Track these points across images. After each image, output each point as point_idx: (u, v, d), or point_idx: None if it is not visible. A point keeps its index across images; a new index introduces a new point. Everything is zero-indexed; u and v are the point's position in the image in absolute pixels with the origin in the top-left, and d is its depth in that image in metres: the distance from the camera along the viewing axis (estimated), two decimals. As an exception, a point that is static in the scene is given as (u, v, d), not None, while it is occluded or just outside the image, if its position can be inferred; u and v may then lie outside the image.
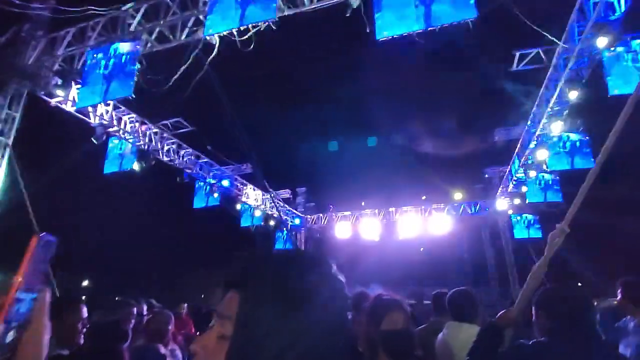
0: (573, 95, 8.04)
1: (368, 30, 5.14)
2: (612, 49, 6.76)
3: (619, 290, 3.06)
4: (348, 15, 5.61)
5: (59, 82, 7.84)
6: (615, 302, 3.07)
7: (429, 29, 4.81)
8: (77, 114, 8.72)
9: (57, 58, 7.84)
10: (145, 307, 3.35)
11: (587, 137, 9.82)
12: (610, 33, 6.49)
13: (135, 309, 2.96)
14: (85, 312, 2.32)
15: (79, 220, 19.10)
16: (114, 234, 20.31)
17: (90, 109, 8.66)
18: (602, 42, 6.64)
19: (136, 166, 10.52)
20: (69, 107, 8.57)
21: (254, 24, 5.73)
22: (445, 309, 2.94)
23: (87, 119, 9.37)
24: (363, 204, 17.43)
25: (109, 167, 10.76)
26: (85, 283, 29.49)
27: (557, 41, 7.42)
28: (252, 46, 6.24)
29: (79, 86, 7.82)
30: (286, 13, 6.14)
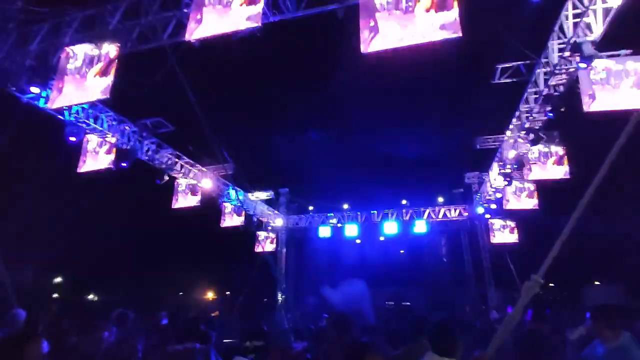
0: (550, 108, 8.27)
1: (354, 43, 5.13)
2: (588, 67, 6.96)
3: (589, 316, 3.16)
4: (335, 25, 5.59)
5: (32, 78, 7.51)
6: (585, 330, 3.15)
7: (415, 44, 4.84)
8: (50, 111, 8.40)
9: (29, 53, 7.51)
10: (114, 329, 3.23)
11: (563, 149, 10.12)
12: (587, 52, 6.68)
13: (106, 333, 2.86)
14: (45, 346, 2.22)
15: (53, 217, 18.49)
16: (90, 231, 19.75)
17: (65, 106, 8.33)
18: (579, 60, 6.84)
19: (113, 165, 10.23)
20: (42, 105, 8.24)
21: (238, 30, 5.62)
22: (423, 334, 2.95)
23: (61, 116, 9.05)
24: (346, 206, 17.49)
25: (85, 166, 10.41)
26: (58, 280, 28.56)
27: (534, 57, 7.61)
28: (235, 51, 6.15)
29: (51, 83, 7.52)
30: (271, 20, 6.06)
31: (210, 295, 30.06)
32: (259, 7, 5.52)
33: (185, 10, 6.29)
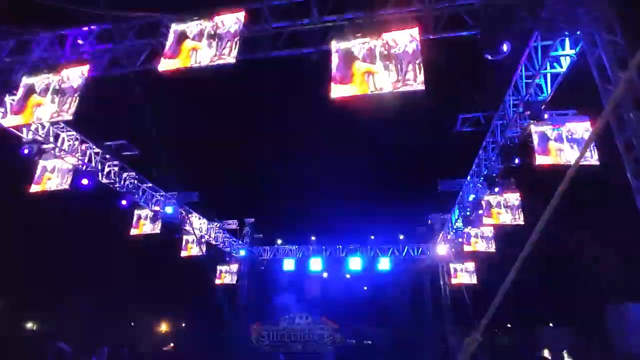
0: (506, 159, 8.81)
1: (323, 87, 5.34)
2: (539, 123, 7.55)
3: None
4: (308, 67, 5.82)
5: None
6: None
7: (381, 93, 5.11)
8: (6, 126, 8.00)
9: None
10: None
11: (518, 196, 10.68)
12: (537, 109, 7.28)
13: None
14: None
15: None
16: (38, 254, 18.38)
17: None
18: (530, 116, 7.44)
19: (69, 186, 9.77)
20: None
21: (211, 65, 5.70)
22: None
23: (18, 132, 8.65)
24: (313, 238, 17.40)
25: (38, 185, 9.85)
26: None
27: (492, 110, 8.18)
28: (207, 80, 6.21)
29: (12, 99, 7.24)
30: (245, 57, 6.20)
31: (163, 327, 28.30)
32: (234, 44, 5.65)
33: (162, 40, 6.32)
